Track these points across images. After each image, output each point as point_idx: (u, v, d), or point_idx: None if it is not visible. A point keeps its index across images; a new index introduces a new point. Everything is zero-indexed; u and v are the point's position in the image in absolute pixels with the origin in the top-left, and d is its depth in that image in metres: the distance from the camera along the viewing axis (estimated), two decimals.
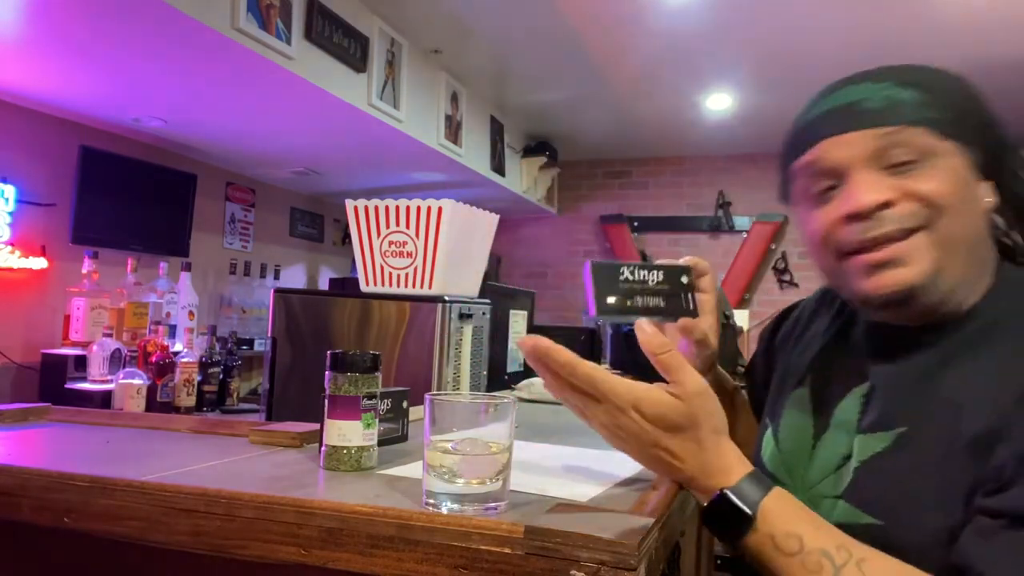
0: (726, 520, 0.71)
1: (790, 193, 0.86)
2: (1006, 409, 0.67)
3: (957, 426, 0.70)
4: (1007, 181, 0.78)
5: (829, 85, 0.82)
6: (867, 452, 0.76)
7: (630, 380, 0.72)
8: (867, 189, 0.74)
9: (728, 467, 0.72)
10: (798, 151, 0.81)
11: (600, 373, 0.71)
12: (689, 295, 0.89)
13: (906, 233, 0.73)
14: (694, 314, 0.88)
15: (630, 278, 0.85)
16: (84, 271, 2.81)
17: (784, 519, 0.69)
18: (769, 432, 0.91)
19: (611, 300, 0.83)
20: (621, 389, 0.70)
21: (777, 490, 0.71)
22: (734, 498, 0.70)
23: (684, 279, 0.89)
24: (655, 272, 0.87)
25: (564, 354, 0.70)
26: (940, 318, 0.77)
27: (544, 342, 0.70)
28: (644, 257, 5.37)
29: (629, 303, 0.84)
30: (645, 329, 0.74)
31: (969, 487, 0.67)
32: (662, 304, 0.86)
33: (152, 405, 2.59)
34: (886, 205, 0.73)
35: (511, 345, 2.19)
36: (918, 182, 0.73)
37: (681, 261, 0.90)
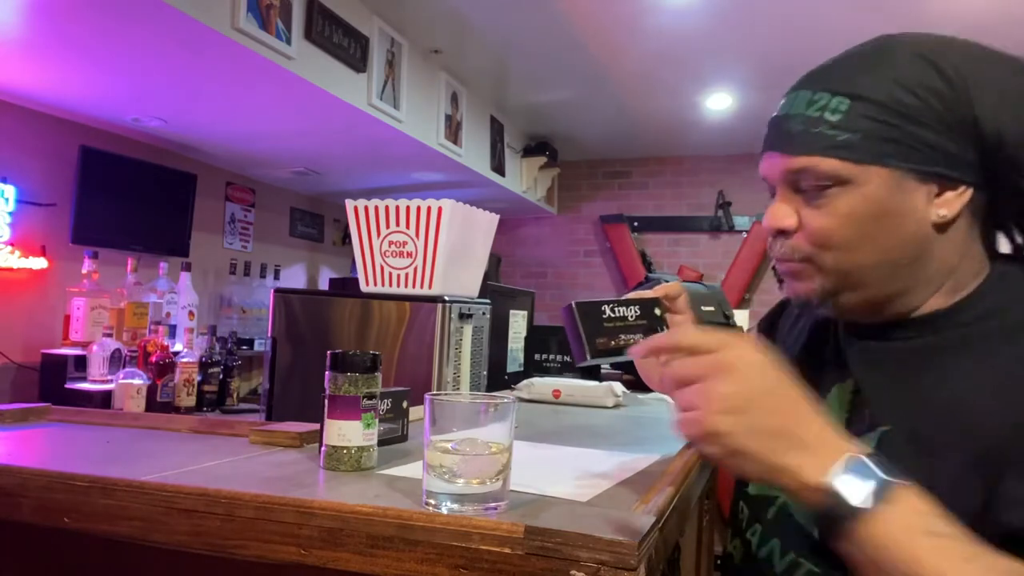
0: (843, 510, 0.60)
1: None
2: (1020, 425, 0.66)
3: (955, 429, 0.70)
4: (1006, 175, 0.74)
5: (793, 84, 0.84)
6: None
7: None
8: (774, 214, 0.80)
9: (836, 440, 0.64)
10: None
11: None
12: (663, 327, 0.92)
13: (798, 259, 0.79)
14: None
15: (612, 316, 0.88)
16: (84, 271, 2.81)
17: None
18: None
19: (600, 341, 0.85)
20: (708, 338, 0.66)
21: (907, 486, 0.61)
22: (875, 467, 0.60)
23: (657, 311, 0.93)
24: (632, 308, 0.90)
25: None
26: (907, 316, 0.79)
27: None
28: (644, 257, 5.37)
29: (614, 343, 0.87)
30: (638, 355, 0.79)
31: (982, 504, 0.66)
32: (641, 338, 0.88)
33: (152, 405, 2.59)
34: (783, 233, 0.79)
35: (511, 345, 2.19)
36: (816, 215, 0.77)
37: (650, 294, 0.95)
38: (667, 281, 2.78)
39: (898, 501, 0.59)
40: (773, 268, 0.84)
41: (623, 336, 0.87)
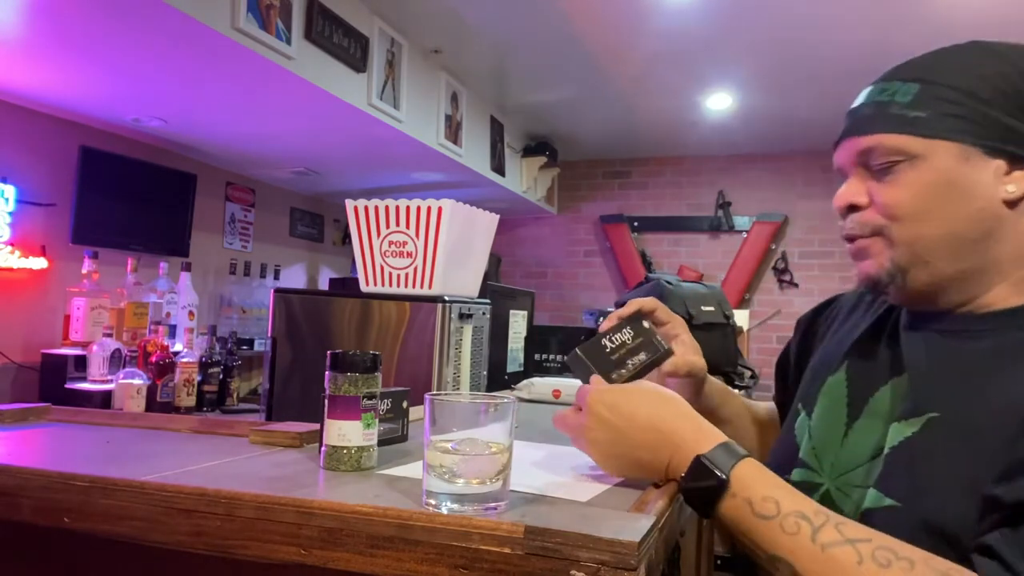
0: (702, 488, 0.72)
1: None
2: None
3: (1010, 426, 0.68)
4: None
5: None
6: (898, 438, 0.76)
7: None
8: (844, 192, 0.83)
9: (703, 436, 0.75)
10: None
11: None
12: (657, 336, 0.94)
13: (868, 234, 0.81)
14: (670, 352, 0.94)
15: (612, 346, 0.91)
16: (84, 271, 2.81)
17: (760, 484, 0.70)
18: (803, 418, 0.91)
19: (613, 376, 0.88)
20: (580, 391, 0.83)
21: (750, 458, 0.73)
22: (708, 463, 0.71)
23: (645, 323, 0.95)
24: (624, 330, 0.92)
25: None
26: (973, 311, 0.78)
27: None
28: (644, 257, 5.37)
29: (625, 370, 0.89)
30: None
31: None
32: (644, 356, 0.91)
33: (152, 405, 2.59)
34: (854, 208, 0.82)
35: (511, 345, 2.19)
36: (886, 188, 0.79)
37: (625, 312, 0.97)
38: (667, 282, 2.77)
39: (738, 489, 0.70)
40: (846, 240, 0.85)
41: (629, 361, 0.90)
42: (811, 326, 1.06)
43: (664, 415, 0.78)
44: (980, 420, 0.70)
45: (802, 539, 0.66)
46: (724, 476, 0.70)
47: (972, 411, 0.72)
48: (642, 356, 0.90)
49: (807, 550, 0.65)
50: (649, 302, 0.99)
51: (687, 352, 1.00)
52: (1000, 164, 0.75)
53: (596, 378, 0.85)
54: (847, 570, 0.63)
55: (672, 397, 0.81)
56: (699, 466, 0.72)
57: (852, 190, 0.82)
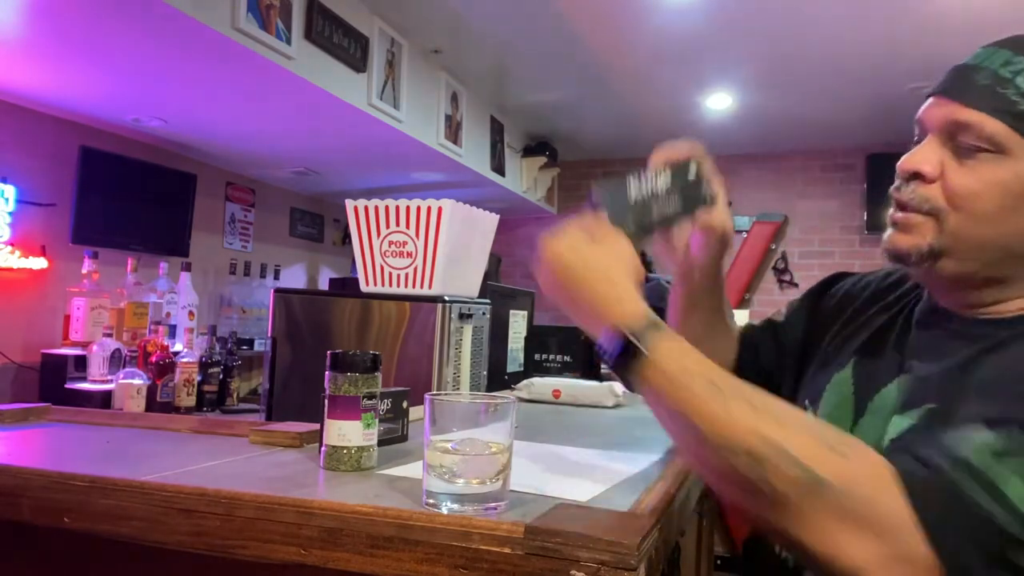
0: (622, 355, 0.71)
1: None
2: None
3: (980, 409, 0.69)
4: None
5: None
6: (897, 430, 0.76)
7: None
8: (917, 156, 0.77)
9: (630, 307, 0.74)
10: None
11: None
12: (701, 189, 0.84)
13: (924, 211, 0.76)
14: (712, 201, 0.86)
15: (640, 188, 0.81)
16: (84, 271, 2.81)
17: (677, 357, 0.70)
18: (808, 415, 0.91)
19: (631, 227, 0.79)
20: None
21: (670, 332, 0.72)
22: (629, 335, 0.70)
23: (691, 175, 0.84)
24: (663, 174, 0.82)
25: None
26: (992, 315, 0.78)
27: None
28: (644, 257, 5.36)
29: (645, 220, 0.80)
30: None
31: None
32: (680, 205, 0.82)
33: (152, 405, 2.59)
34: (920, 177, 0.76)
35: (511, 345, 2.19)
36: (961, 172, 0.74)
37: (678, 153, 0.86)
38: (667, 282, 2.75)
39: (665, 350, 0.70)
40: (896, 208, 0.79)
41: (656, 208, 0.81)
42: (818, 301, 1.03)
43: (618, 269, 0.76)
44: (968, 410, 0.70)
45: (711, 402, 0.66)
46: (644, 351, 0.70)
47: (960, 401, 0.71)
48: (676, 204, 0.81)
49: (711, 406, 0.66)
50: (700, 148, 0.88)
51: (724, 213, 0.90)
52: None
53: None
54: (746, 418, 0.65)
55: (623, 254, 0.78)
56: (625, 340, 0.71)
57: (926, 157, 0.76)
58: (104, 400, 2.53)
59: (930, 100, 0.79)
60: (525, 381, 1.74)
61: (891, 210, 0.80)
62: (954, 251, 0.76)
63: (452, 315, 1.69)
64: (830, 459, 0.63)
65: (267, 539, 0.67)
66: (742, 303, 5.11)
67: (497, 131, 4.35)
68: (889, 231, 0.80)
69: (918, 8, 2.86)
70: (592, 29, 3.19)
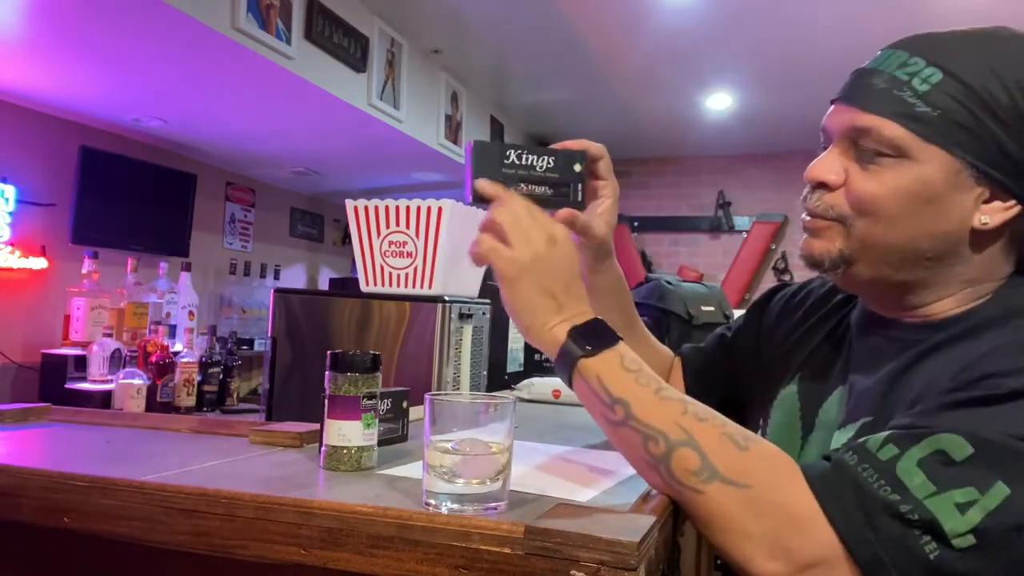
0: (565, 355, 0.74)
1: None
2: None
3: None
4: None
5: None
6: (838, 445, 0.76)
7: None
8: (821, 165, 0.78)
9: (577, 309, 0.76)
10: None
11: None
12: (579, 185, 0.84)
13: (831, 217, 0.77)
14: (581, 206, 0.86)
15: (516, 162, 0.81)
16: (84, 271, 2.81)
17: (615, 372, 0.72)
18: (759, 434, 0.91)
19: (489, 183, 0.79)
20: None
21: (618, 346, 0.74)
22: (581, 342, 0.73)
23: (577, 167, 0.84)
24: (545, 158, 0.82)
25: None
26: (920, 318, 0.78)
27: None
28: (644, 257, 5.37)
29: (510, 189, 0.80)
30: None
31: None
32: (548, 193, 0.82)
33: (152, 405, 2.59)
34: (824, 186, 0.77)
35: (511, 345, 2.19)
36: (864, 178, 0.75)
37: (574, 143, 0.87)
38: (667, 282, 2.76)
39: (607, 354, 0.73)
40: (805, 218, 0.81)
41: (524, 185, 0.81)
42: (762, 313, 1.04)
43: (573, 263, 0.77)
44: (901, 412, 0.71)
45: (647, 391, 0.71)
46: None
47: (894, 412, 0.72)
48: (544, 190, 0.82)
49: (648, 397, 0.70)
50: (598, 147, 0.89)
51: (597, 217, 0.90)
52: (982, 191, 0.72)
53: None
54: (672, 414, 0.69)
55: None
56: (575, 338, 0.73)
57: (829, 165, 0.77)
58: (104, 400, 2.53)
59: (832, 106, 0.79)
60: (525, 381, 1.74)
61: (803, 216, 0.81)
62: (864, 256, 0.76)
63: (452, 315, 1.69)
64: (733, 453, 0.66)
65: (267, 539, 0.67)
66: (742, 303, 5.11)
67: (497, 131, 4.35)
68: (804, 237, 0.81)
69: (918, 9, 2.86)
70: (592, 29, 3.20)
